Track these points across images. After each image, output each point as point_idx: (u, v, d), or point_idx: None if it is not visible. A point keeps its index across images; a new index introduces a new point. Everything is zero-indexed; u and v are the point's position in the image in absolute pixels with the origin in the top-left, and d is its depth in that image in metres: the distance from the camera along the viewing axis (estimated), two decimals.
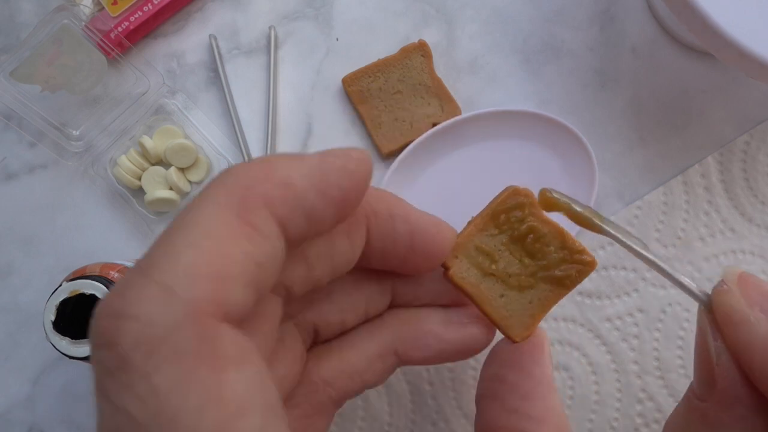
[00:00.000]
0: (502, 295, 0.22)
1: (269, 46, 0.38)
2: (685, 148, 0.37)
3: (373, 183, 0.39)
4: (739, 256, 0.36)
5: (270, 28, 0.38)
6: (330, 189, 0.17)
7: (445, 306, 0.25)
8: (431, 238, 0.22)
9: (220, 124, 0.38)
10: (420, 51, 0.37)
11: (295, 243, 0.18)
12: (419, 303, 0.25)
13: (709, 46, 0.30)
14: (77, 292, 0.30)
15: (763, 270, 0.36)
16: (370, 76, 0.38)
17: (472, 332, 0.24)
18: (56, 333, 0.30)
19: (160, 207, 0.37)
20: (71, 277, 0.31)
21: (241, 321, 0.16)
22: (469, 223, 0.23)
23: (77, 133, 0.37)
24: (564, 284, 0.22)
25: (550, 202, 0.22)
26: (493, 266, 0.22)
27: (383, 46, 0.38)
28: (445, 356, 0.24)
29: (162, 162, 0.37)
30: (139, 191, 0.37)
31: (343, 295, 0.23)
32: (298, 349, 0.22)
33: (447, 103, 0.37)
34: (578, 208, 0.21)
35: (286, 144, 0.38)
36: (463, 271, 0.23)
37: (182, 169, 0.37)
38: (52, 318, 0.29)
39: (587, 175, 0.36)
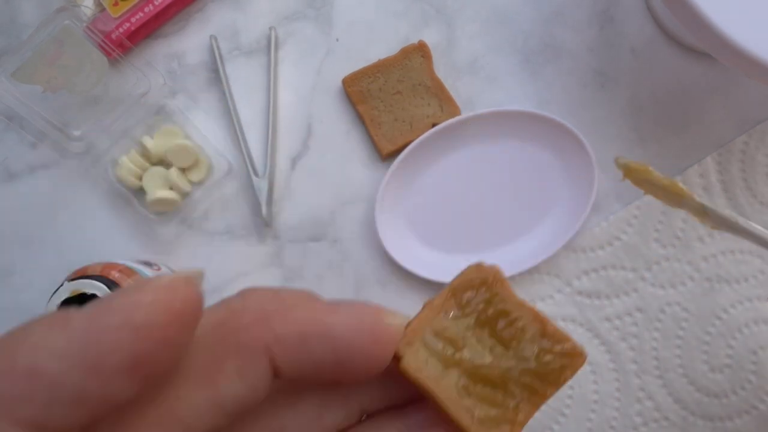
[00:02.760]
0: (469, 394, 0.18)
1: (269, 47, 0.38)
2: (684, 148, 0.38)
3: (373, 185, 0.41)
4: (738, 256, 0.37)
5: (270, 28, 0.38)
6: (107, 360, 0.13)
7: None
8: (367, 351, 0.16)
9: (220, 125, 0.38)
10: (420, 52, 0.38)
11: (87, 428, 0.13)
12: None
13: (708, 47, 0.30)
14: (78, 292, 0.30)
15: (761, 270, 0.36)
16: (370, 77, 0.38)
17: None
18: None
19: (161, 207, 0.37)
20: (72, 277, 0.31)
21: None
22: (426, 304, 0.19)
23: (78, 133, 0.37)
24: (550, 381, 0.18)
25: (626, 167, 0.17)
26: (458, 355, 0.18)
27: (383, 47, 0.39)
28: None
29: (163, 162, 0.37)
30: (140, 191, 0.37)
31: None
32: None
33: (447, 104, 0.38)
34: (660, 175, 0.17)
35: (286, 144, 0.38)
36: (419, 362, 0.18)
37: (183, 169, 0.37)
38: None
39: (587, 175, 0.36)
